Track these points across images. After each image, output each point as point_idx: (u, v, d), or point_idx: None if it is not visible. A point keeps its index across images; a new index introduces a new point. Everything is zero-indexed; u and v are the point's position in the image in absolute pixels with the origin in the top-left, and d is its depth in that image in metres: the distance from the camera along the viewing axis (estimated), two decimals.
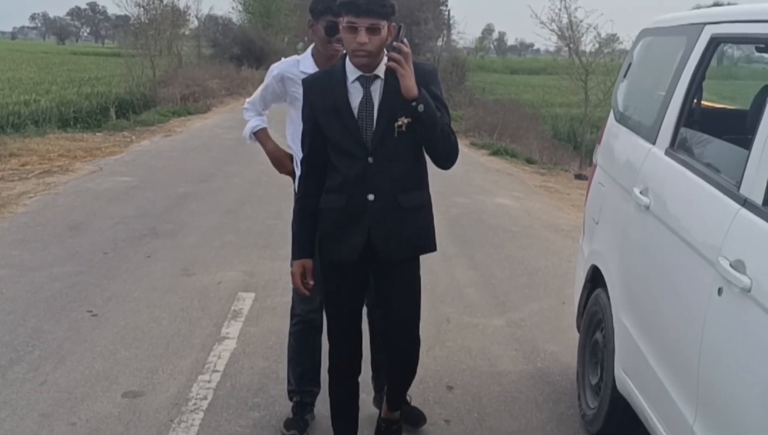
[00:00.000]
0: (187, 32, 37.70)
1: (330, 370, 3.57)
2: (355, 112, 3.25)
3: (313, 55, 3.92)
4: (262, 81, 4.19)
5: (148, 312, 5.71)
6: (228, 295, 6.11)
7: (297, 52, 7.20)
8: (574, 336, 4.66)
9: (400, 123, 3.18)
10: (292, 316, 4.16)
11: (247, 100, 4.25)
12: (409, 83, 3.12)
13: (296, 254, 3.48)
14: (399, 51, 3.10)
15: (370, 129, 3.25)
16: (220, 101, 27.13)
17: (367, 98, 3.25)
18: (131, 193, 10.09)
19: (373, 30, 3.10)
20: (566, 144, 14.74)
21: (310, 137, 3.36)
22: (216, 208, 9.27)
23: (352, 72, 3.25)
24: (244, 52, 41.41)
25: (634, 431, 3.91)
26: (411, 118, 3.17)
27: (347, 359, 3.52)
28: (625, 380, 3.62)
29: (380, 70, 3.23)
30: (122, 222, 8.44)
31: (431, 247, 3.47)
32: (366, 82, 3.24)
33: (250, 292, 6.18)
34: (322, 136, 3.30)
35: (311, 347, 4.08)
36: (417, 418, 4.12)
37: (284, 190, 10.53)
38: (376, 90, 3.25)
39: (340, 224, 3.31)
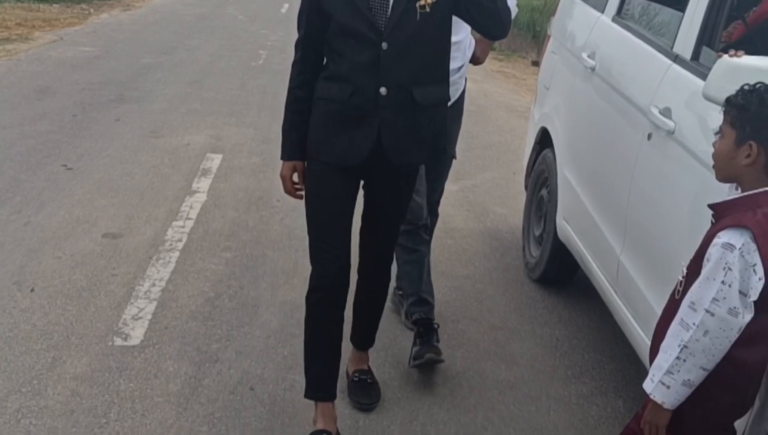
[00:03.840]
0: None
1: (308, 297, 2.99)
2: None
3: None
4: None
5: (121, 167, 5.99)
6: (196, 156, 6.38)
7: None
8: (522, 201, 5.05)
9: (422, 1, 2.67)
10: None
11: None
12: None
13: (286, 154, 2.94)
14: None
15: (385, 7, 2.70)
16: None
17: None
18: (95, 62, 10.15)
19: None
20: (525, 33, 14.90)
21: (307, 14, 2.80)
22: (180, 79, 9.41)
23: None
24: None
25: (569, 276, 4.39)
26: None
27: (331, 281, 2.94)
28: (566, 227, 4.03)
29: None
30: (88, 88, 8.57)
31: (444, 152, 3.08)
32: None
33: (217, 154, 6.46)
34: (323, 14, 2.75)
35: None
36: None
37: (246, 63, 10.85)
38: None
39: (343, 120, 2.79)
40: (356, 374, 3.34)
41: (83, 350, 3.57)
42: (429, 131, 2.86)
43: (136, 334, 3.72)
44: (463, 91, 3.74)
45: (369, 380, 3.37)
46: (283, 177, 2.95)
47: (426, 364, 3.47)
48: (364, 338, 3.37)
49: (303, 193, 2.96)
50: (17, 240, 4.60)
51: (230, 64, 10.32)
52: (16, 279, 4.17)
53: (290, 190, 2.96)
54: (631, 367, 3.64)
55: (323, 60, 2.85)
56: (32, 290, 4.07)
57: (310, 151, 2.90)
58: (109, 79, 9.09)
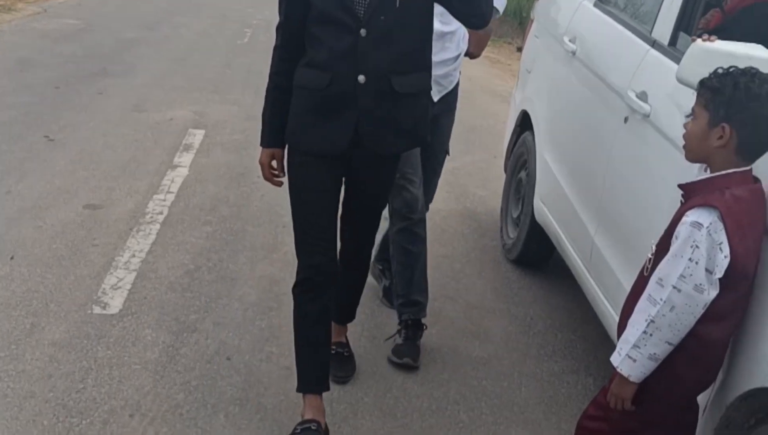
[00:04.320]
0: None
1: (295, 290, 2.96)
2: None
3: None
4: None
5: (104, 140, 5.99)
6: (179, 131, 6.39)
7: None
8: (502, 184, 5.10)
9: None
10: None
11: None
12: None
13: (265, 141, 2.91)
14: None
15: None
16: None
17: None
18: (79, 35, 10.11)
19: None
20: (512, 19, 14.92)
21: (287, 0, 2.78)
22: (164, 55, 9.38)
23: None
24: None
25: (545, 258, 4.45)
26: None
27: (317, 273, 2.89)
28: (543, 209, 4.09)
29: None
30: (71, 61, 8.54)
31: (424, 141, 3.01)
32: None
33: (200, 129, 6.47)
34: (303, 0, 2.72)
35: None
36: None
37: (232, 42, 10.82)
38: None
39: (321, 109, 2.75)
40: (333, 347, 3.30)
41: (62, 317, 3.60)
42: (409, 121, 2.83)
43: (115, 303, 3.75)
44: (457, 84, 3.69)
45: (345, 353, 3.40)
46: (261, 163, 2.92)
47: (401, 366, 3.45)
48: (344, 314, 3.39)
49: (281, 180, 2.95)
50: None
51: (215, 42, 10.30)
52: None
53: (269, 176, 2.94)
54: (602, 347, 3.70)
55: (303, 46, 2.77)
56: (12, 258, 4.08)
57: (290, 140, 2.86)
58: (93, 53, 9.06)
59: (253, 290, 3.98)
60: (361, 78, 2.68)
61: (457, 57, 3.56)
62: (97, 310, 3.68)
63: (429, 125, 2.97)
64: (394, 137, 2.83)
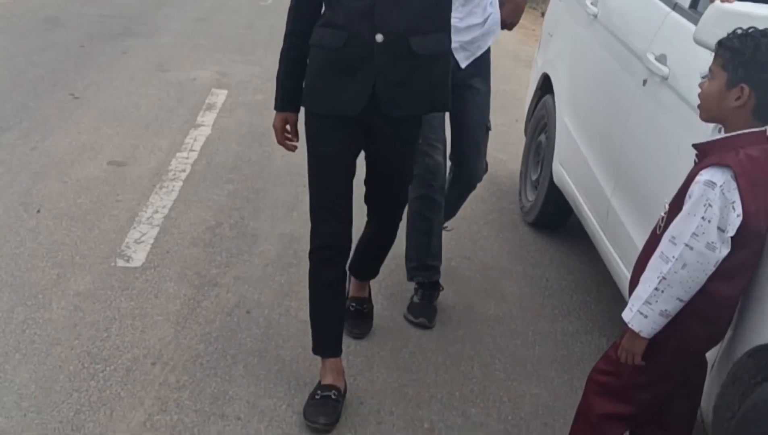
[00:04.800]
0: None
1: (311, 256, 2.96)
2: None
3: None
4: None
5: (128, 99, 6.06)
6: (202, 90, 6.44)
7: None
8: (522, 148, 5.11)
9: None
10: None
11: None
12: None
13: (279, 104, 2.88)
14: None
15: None
16: None
17: None
18: None
19: None
20: None
21: None
22: (188, 15, 9.40)
23: None
24: None
25: (563, 221, 4.49)
26: None
27: (333, 240, 2.90)
28: (561, 172, 4.11)
29: None
30: (97, 21, 8.60)
31: (445, 105, 2.93)
32: None
33: (223, 89, 6.52)
34: None
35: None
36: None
37: (255, 3, 10.82)
38: None
39: (337, 69, 2.70)
40: (353, 303, 3.37)
41: (86, 269, 3.69)
42: (426, 83, 2.77)
43: (138, 256, 3.84)
44: (488, 51, 3.54)
45: (365, 310, 3.44)
46: (275, 128, 2.90)
47: (415, 325, 3.51)
48: (368, 271, 3.39)
49: (295, 144, 2.93)
50: (24, 164, 4.70)
51: (238, 3, 10.30)
52: (22, 200, 4.28)
53: (282, 141, 2.92)
54: (616, 308, 3.73)
55: (321, 6, 2.74)
56: (38, 211, 4.17)
57: (306, 102, 2.81)
58: (118, 13, 9.10)
59: (273, 247, 4.05)
60: (379, 37, 2.63)
61: (485, 22, 3.44)
62: (120, 263, 3.77)
63: (449, 89, 2.89)
64: (412, 100, 2.77)
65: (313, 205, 2.90)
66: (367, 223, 3.18)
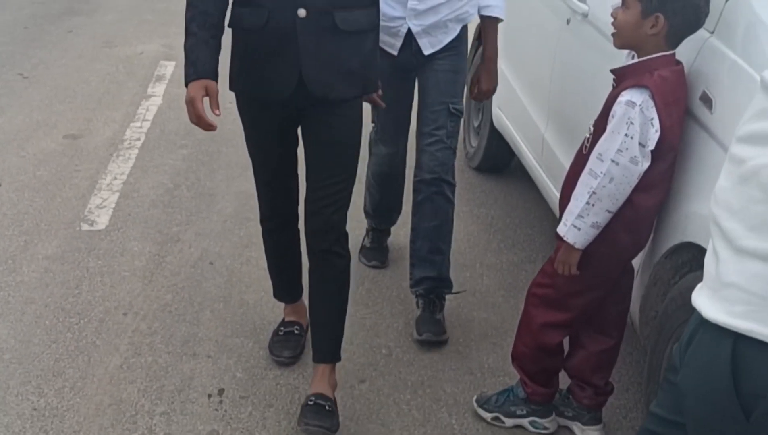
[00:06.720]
0: None
1: (261, 223, 2.99)
2: None
3: None
4: None
5: (77, 75, 6.15)
6: (150, 63, 6.54)
7: None
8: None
9: None
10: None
11: None
12: None
13: (192, 72, 2.53)
14: None
15: None
16: None
17: None
18: None
19: None
20: None
21: None
22: None
23: None
24: None
25: (505, 164, 4.72)
26: None
27: (277, 210, 2.91)
28: (500, 115, 4.34)
29: None
30: (37, 2, 8.57)
31: (373, 87, 2.74)
32: None
33: (171, 61, 6.61)
34: None
35: None
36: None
37: None
38: None
39: (261, 50, 2.56)
40: (312, 397, 2.71)
41: (53, 235, 3.85)
42: (355, 61, 2.60)
43: (102, 220, 4.00)
44: (460, 39, 3.21)
45: (327, 408, 2.70)
46: (189, 100, 2.50)
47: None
48: (323, 344, 2.82)
49: (214, 123, 2.53)
50: None
51: None
52: None
53: (200, 114, 2.51)
54: None
55: None
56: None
57: (234, 87, 2.68)
58: None
59: (230, 204, 4.23)
60: (301, 12, 2.47)
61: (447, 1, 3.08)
62: (85, 227, 3.93)
63: (378, 68, 2.73)
64: (342, 80, 2.59)
65: (256, 180, 2.89)
66: (309, 272, 2.84)
